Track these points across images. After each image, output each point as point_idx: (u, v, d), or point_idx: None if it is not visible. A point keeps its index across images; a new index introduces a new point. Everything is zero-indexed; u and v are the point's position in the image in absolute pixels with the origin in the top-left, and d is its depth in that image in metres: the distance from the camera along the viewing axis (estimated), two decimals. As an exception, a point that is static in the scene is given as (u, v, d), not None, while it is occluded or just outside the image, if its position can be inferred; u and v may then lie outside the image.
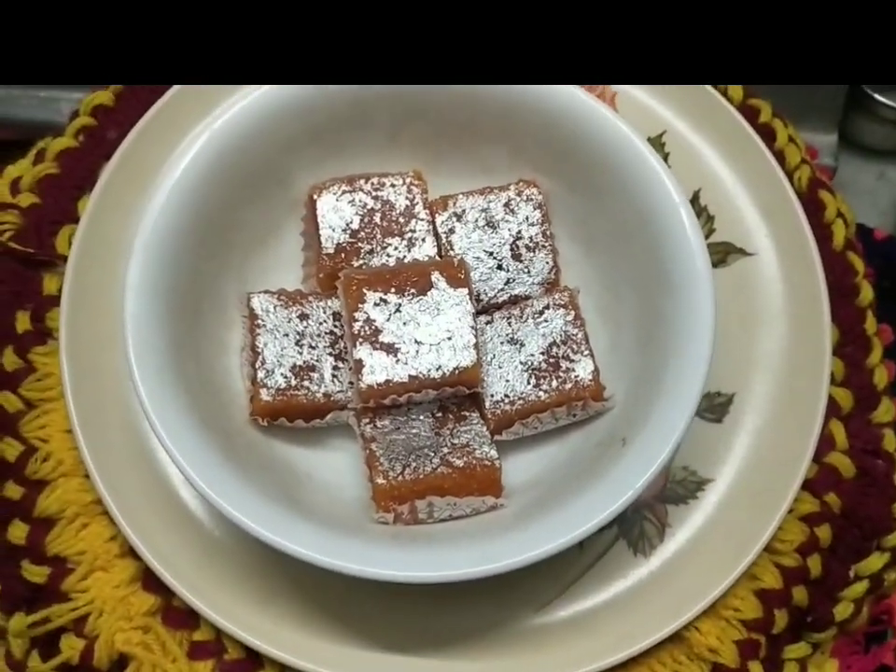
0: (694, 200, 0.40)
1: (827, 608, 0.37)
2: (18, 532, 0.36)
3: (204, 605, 0.34)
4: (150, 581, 0.35)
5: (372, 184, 0.37)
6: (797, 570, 0.37)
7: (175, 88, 0.39)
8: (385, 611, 0.35)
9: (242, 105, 0.35)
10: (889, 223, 0.58)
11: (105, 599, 0.35)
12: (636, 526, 0.36)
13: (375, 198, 0.37)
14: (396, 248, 0.37)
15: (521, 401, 0.35)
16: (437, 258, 0.37)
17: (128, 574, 0.35)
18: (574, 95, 0.36)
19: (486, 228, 0.37)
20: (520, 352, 0.36)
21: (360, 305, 0.34)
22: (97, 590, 0.35)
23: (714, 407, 0.38)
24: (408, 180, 0.37)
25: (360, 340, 0.33)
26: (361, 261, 0.36)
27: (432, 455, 0.34)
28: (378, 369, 0.33)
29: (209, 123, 0.35)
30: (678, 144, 0.41)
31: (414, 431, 0.34)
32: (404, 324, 0.34)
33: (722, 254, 0.40)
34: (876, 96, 0.56)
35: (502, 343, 0.36)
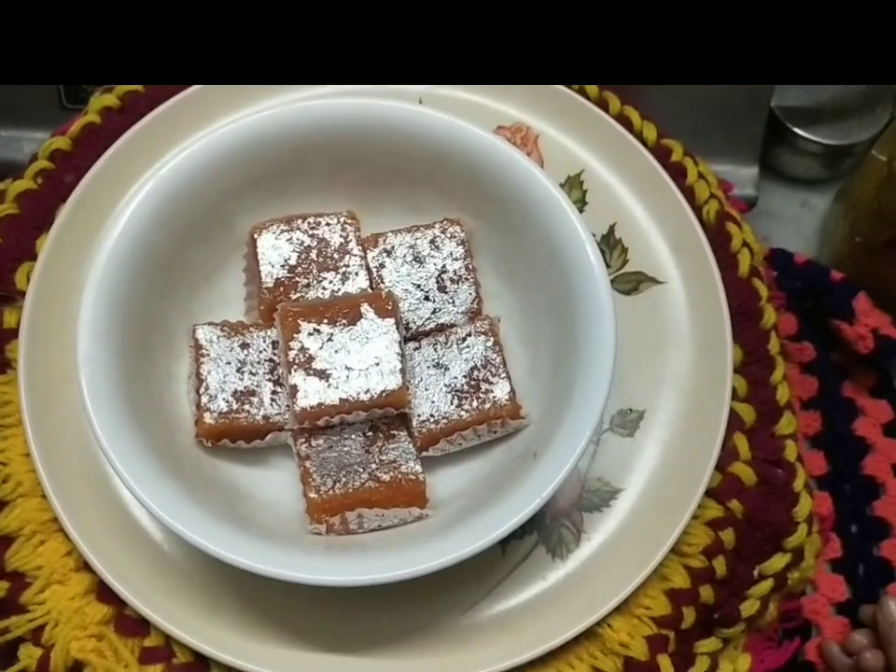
0: (610, 233, 0.42)
1: (734, 605, 0.39)
2: (-21, 550, 0.37)
3: (155, 613, 0.35)
4: (104, 592, 0.36)
5: (309, 223, 0.39)
6: (704, 571, 0.38)
7: (126, 136, 0.41)
8: (322, 616, 0.36)
9: (187, 153, 0.37)
10: (813, 248, 0.61)
11: (62, 610, 0.36)
12: (554, 533, 0.38)
13: (312, 236, 0.39)
14: (331, 282, 0.39)
15: (445, 420, 0.37)
16: (369, 290, 0.39)
17: (83, 587, 0.36)
18: (495, 145, 0.38)
19: (414, 262, 0.40)
20: (444, 375, 0.38)
21: (295, 335, 0.36)
22: (54, 602, 0.36)
23: (626, 423, 0.40)
24: (342, 219, 0.39)
25: (295, 366, 0.35)
26: (299, 294, 0.38)
27: (361, 470, 0.36)
28: (311, 393, 0.35)
29: (156, 170, 0.37)
30: (595, 182, 0.43)
31: (346, 449, 0.36)
32: (336, 352, 0.36)
33: (635, 282, 0.42)
34: (796, 130, 0.59)
35: (429, 367, 0.38)
